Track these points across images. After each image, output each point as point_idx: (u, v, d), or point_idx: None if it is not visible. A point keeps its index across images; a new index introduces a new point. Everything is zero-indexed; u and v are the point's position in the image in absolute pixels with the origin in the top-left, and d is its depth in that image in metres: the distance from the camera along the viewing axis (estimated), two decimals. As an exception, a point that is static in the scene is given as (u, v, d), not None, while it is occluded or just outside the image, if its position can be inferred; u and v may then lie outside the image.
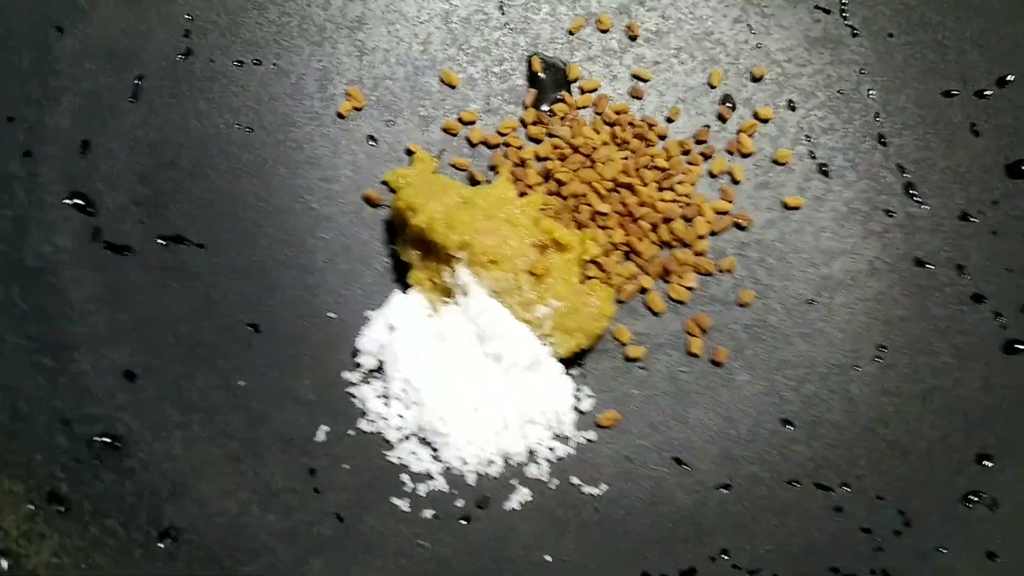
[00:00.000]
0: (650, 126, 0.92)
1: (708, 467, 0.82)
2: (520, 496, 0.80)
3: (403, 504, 0.78)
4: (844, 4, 0.95)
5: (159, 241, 0.80)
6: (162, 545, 0.70)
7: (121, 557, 0.69)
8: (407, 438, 0.79)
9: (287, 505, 0.75)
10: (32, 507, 0.68)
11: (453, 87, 0.91)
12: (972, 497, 0.80)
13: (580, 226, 0.88)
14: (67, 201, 0.77)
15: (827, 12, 0.95)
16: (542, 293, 0.81)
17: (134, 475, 0.72)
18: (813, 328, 0.87)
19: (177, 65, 0.85)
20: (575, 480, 0.81)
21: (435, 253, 0.82)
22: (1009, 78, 0.92)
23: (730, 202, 0.91)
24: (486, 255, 0.80)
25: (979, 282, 0.87)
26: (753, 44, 0.94)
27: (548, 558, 0.78)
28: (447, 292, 0.82)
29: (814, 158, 0.92)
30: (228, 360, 0.78)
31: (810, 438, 0.83)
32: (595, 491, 0.81)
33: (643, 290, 0.89)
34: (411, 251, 0.83)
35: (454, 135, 0.90)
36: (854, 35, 0.95)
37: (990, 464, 0.81)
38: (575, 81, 0.93)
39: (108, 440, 0.73)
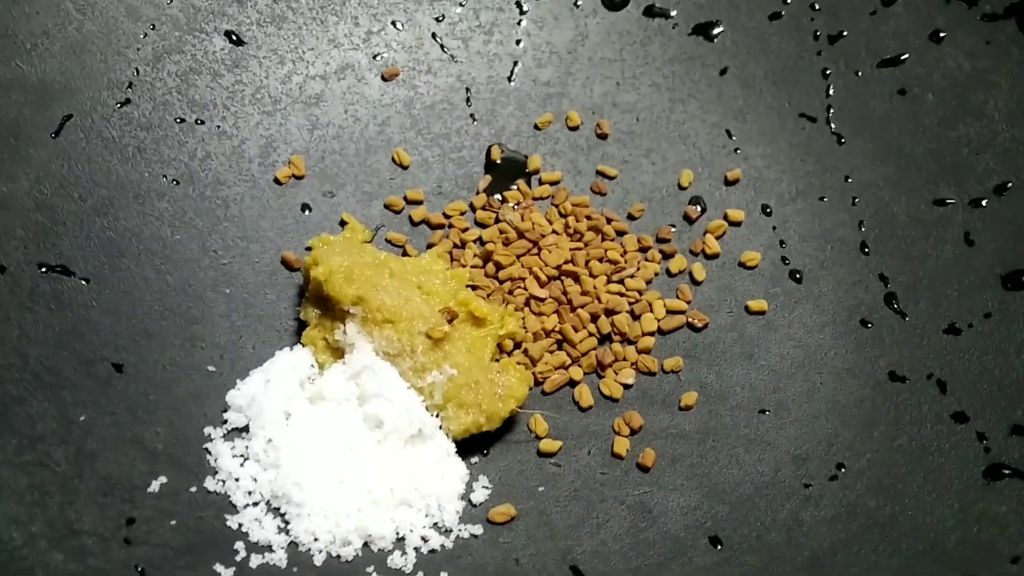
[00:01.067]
0: (609, 220, 0.85)
1: (610, 581, 0.67)
2: (372, 584, 0.67)
3: (226, 572, 0.66)
4: (831, 113, 0.88)
5: (40, 268, 0.74)
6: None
7: None
8: (255, 504, 0.68)
9: (83, 548, 0.64)
10: None
11: (404, 167, 0.86)
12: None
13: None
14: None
15: (812, 120, 0.88)
16: (438, 360, 0.71)
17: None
18: (762, 440, 0.74)
19: (113, 112, 0.83)
20: (445, 576, 0.68)
21: (332, 310, 0.74)
22: (1009, 185, 0.81)
23: (687, 302, 0.81)
24: (381, 313, 0.72)
25: (963, 400, 0.73)
26: (730, 149, 0.88)
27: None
28: (339, 353, 0.73)
29: (786, 263, 0.82)
30: (75, 393, 0.70)
31: (741, 562, 0.68)
32: (466, 591, 0.67)
33: (572, 383, 0.77)
34: (310, 309, 0.75)
35: (397, 212, 0.84)
36: (841, 143, 0.87)
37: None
38: (535, 173, 0.87)
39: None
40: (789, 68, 0.90)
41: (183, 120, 0.86)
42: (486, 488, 0.72)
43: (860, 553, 0.68)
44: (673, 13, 0.92)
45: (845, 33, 0.90)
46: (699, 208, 0.85)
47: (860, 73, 0.89)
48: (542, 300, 0.80)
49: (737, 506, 0.71)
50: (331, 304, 0.74)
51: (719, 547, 0.70)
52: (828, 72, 0.90)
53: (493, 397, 0.72)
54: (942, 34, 0.89)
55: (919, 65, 0.88)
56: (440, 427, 0.72)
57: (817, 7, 0.91)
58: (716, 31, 0.92)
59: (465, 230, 0.85)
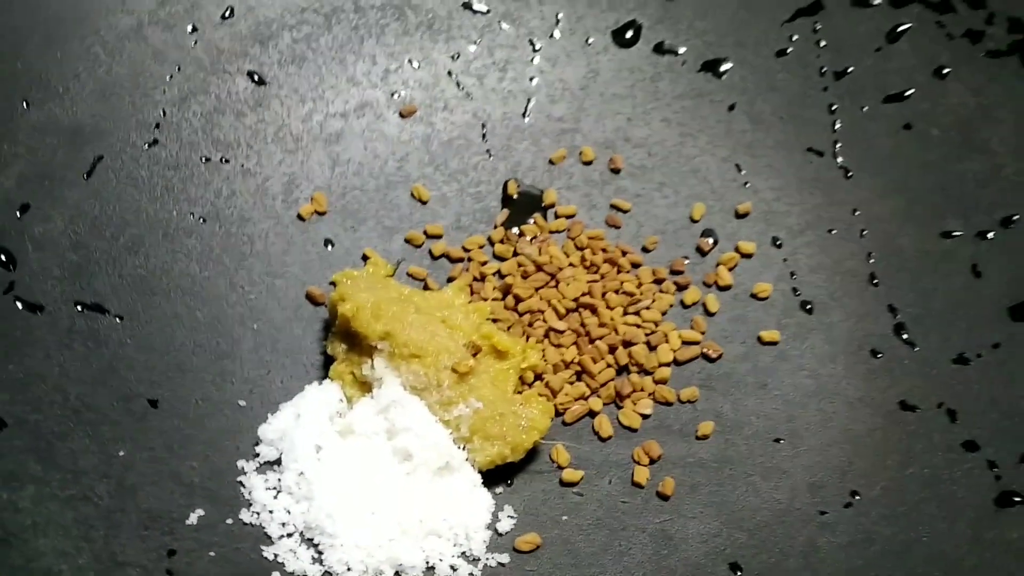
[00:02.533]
0: (624, 253, 0.87)
1: (633, 608, 0.69)
2: (404, 612, 0.69)
3: (264, 602, 0.68)
4: (838, 147, 0.90)
5: (76, 307, 0.77)
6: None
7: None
8: (289, 535, 0.71)
9: (128, 580, 0.66)
10: None
11: (424, 203, 0.89)
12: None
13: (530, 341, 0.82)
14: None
15: (820, 154, 0.91)
16: (464, 393, 0.74)
17: (-36, 517, 0.66)
18: (778, 468, 0.76)
19: (141, 152, 0.85)
20: (474, 604, 0.70)
21: (359, 345, 0.76)
22: (1015, 218, 0.84)
23: (701, 332, 0.83)
24: (408, 348, 0.74)
25: (973, 429, 0.76)
26: (740, 182, 0.90)
27: None
28: (367, 387, 0.76)
29: (797, 295, 0.85)
30: (114, 429, 0.73)
31: (760, 587, 0.70)
32: (494, 618, 0.69)
33: (592, 414, 0.80)
34: (337, 344, 0.78)
35: (417, 247, 0.87)
36: (848, 176, 0.89)
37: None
38: (551, 207, 0.89)
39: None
40: (796, 104, 0.93)
41: (208, 159, 0.88)
42: (512, 518, 0.74)
43: (875, 579, 0.70)
44: (682, 50, 0.95)
45: (851, 69, 0.93)
46: (711, 240, 0.88)
47: (866, 108, 0.92)
48: (561, 332, 0.83)
49: (755, 533, 0.73)
50: (358, 339, 0.77)
51: (739, 573, 0.72)
52: (834, 108, 0.93)
53: (517, 429, 0.74)
54: (946, 70, 0.91)
55: (924, 101, 0.91)
56: (466, 459, 0.74)
57: (823, 44, 0.94)
58: (724, 68, 0.95)
59: (484, 263, 0.87)
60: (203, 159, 0.88)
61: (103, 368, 0.76)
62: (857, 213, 0.88)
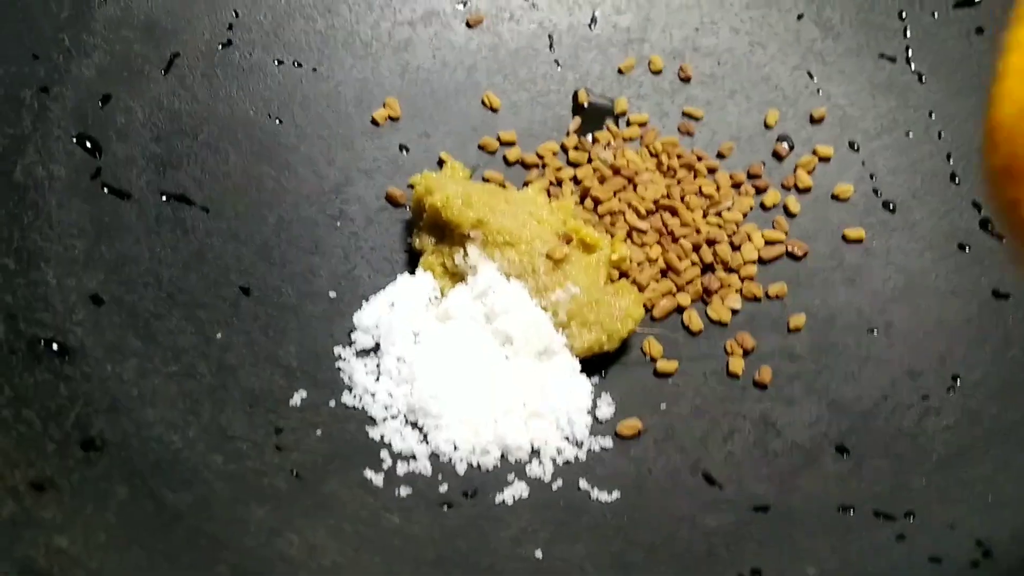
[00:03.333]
0: (699, 158, 0.86)
1: (743, 487, 0.69)
2: (515, 491, 0.68)
3: (376, 478, 0.67)
4: (910, 53, 0.90)
5: (161, 196, 0.75)
6: (82, 450, 0.61)
7: (30, 446, 0.60)
8: (394, 417, 0.69)
9: (239, 452, 0.65)
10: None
11: (495, 110, 0.87)
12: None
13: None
14: (74, 141, 0.74)
15: (892, 60, 0.90)
16: (559, 280, 0.72)
17: (72, 382, 0.64)
18: (875, 358, 0.76)
19: (215, 52, 0.84)
20: (583, 485, 0.69)
21: (449, 237, 0.75)
22: (1095, 113, 0.83)
23: (784, 232, 0.83)
24: (502, 235, 0.73)
25: (1070, 313, 0.75)
26: (813, 89, 0.90)
27: (538, 554, 0.64)
28: (458, 277, 0.75)
29: (878, 195, 0.84)
30: (208, 312, 0.71)
31: (869, 467, 0.70)
32: (605, 497, 0.68)
33: (680, 309, 0.79)
34: (425, 237, 0.77)
35: (491, 153, 0.85)
36: (921, 81, 0.89)
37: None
38: (622, 115, 0.88)
39: (54, 346, 0.66)
40: (865, 11, 0.92)
41: (281, 62, 0.87)
42: (610, 405, 0.73)
43: (989, 454, 0.70)
44: (746, -38, 0.94)
45: (919, -24, 0.92)
46: (787, 145, 0.87)
47: (936, 15, 0.91)
48: (643, 232, 0.82)
49: (859, 418, 0.73)
50: (448, 230, 0.75)
51: (847, 455, 0.71)
52: (904, 15, 0.92)
53: (612, 317, 0.73)
54: (1017, -25, 0.91)
55: (995, 4, 0.90)
56: (564, 344, 0.73)
57: (891, -47, 0.93)
58: (791, -22, 0.94)
59: (559, 169, 0.86)
60: (276, 61, 0.86)
61: (193, 255, 0.75)
62: (934, 116, 0.88)
